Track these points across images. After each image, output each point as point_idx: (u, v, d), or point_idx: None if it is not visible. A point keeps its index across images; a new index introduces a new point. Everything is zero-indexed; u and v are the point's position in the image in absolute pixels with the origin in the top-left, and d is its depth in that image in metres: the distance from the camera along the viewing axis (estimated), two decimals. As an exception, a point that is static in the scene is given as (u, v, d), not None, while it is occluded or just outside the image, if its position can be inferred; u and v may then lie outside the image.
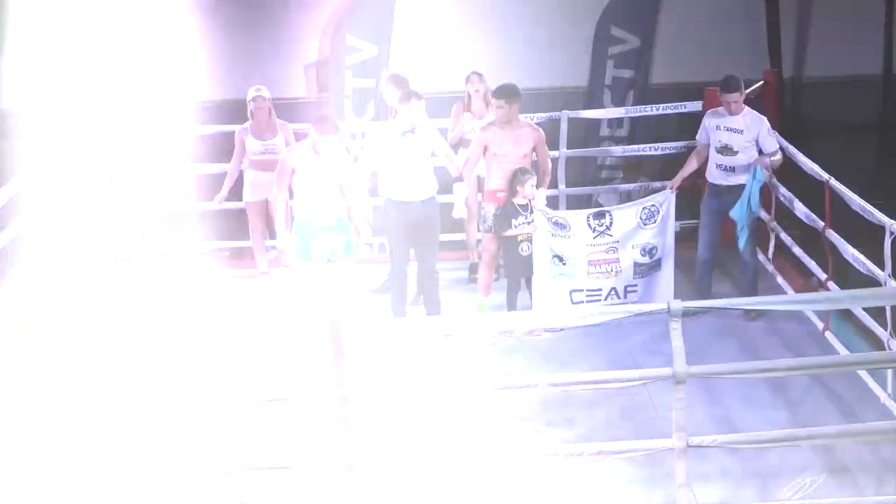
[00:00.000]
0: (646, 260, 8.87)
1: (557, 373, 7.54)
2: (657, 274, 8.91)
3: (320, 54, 12.30)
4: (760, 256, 9.72)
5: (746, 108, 8.87)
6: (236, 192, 10.41)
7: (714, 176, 8.90)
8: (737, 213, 8.81)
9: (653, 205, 8.89)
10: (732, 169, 8.82)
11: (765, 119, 8.89)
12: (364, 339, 8.39)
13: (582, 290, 8.77)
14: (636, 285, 8.88)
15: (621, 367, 7.72)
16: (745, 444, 6.58)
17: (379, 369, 8.15)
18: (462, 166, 8.82)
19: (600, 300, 8.79)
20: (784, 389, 7.61)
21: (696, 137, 9.08)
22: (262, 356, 8.36)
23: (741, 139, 8.77)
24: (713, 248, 9.02)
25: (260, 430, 7.29)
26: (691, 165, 9.09)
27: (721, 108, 8.93)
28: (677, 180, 9.03)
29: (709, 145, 8.92)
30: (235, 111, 11.68)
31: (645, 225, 8.85)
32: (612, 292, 8.82)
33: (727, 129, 8.79)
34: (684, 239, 9.80)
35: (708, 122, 8.90)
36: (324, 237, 8.26)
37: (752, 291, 8.89)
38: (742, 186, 8.77)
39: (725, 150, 8.78)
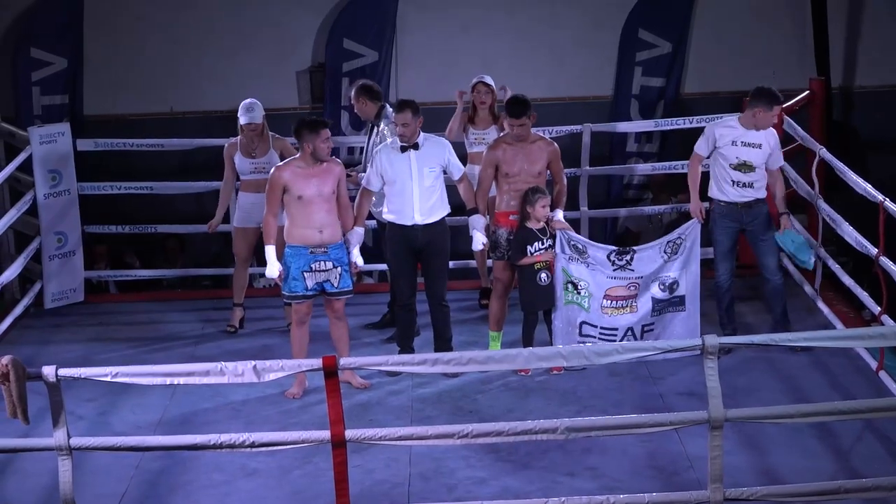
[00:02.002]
0: (665, 295, 8.81)
1: (579, 416, 7.53)
2: (680, 314, 8.86)
3: (314, 60, 12.34)
4: (807, 288, 9.73)
5: None
6: (224, 215, 10.46)
7: (730, 194, 8.88)
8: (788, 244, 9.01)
9: (678, 237, 8.85)
10: (751, 185, 8.85)
11: (774, 131, 8.97)
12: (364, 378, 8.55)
13: (595, 327, 8.74)
14: (653, 324, 8.83)
15: (650, 411, 7.73)
16: (790, 496, 6.53)
17: (380, 410, 8.23)
18: (475, 195, 8.78)
19: (616, 340, 8.73)
20: (833, 435, 7.57)
21: (697, 147, 8.98)
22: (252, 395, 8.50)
23: (759, 154, 8.83)
24: (733, 273, 9.06)
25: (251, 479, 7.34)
26: (695, 179, 9.03)
27: (731, 119, 8.93)
28: (698, 202, 8.95)
29: (706, 157, 8.92)
30: (220, 122, 11.77)
31: (669, 258, 8.82)
32: (629, 332, 8.76)
33: (745, 144, 8.81)
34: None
35: (718, 133, 8.87)
36: (318, 266, 8.25)
37: (785, 318, 9.03)
38: (759, 201, 8.85)
39: (743, 166, 8.81)
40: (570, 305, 8.72)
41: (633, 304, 8.77)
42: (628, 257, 8.74)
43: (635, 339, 8.76)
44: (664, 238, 8.92)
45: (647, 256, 8.80)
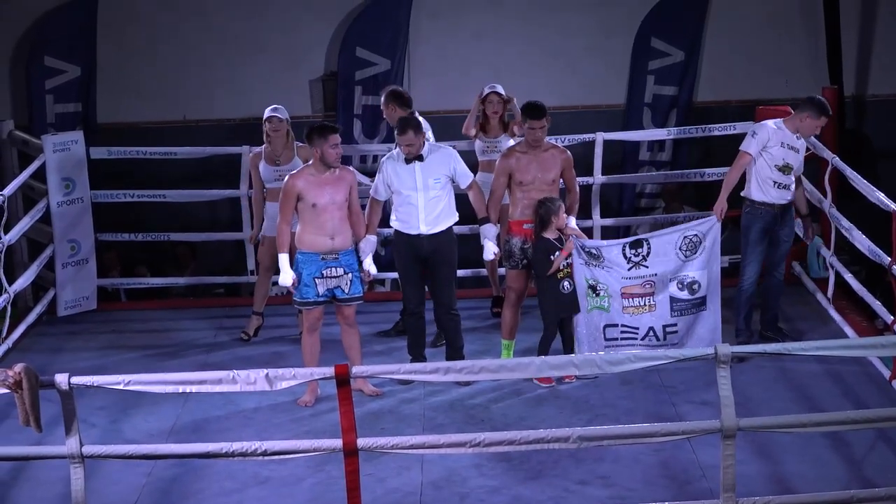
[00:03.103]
0: (685, 295, 8.81)
1: (591, 425, 7.52)
2: (702, 314, 8.86)
3: (327, 68, 12.35)
4: (819, 297, 9.72)
5: None
6: (236, 223, 10.49)
7: (772, 196, 8.88)
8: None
9: (695, 234, 8.82)
10: (788, 187, 8.93)
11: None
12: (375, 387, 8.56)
13: (617, 326, 8.75)
14: (675, 325, 8.82)
15: (662, 419, 7.72)
16: (802, 506, 6.55)
17: (392, 418, 8.23)
18: (487, 204, 8.77)
19: (637, 339, 8.76)
20: (845, 444, 7.55)
21: (746, 147, 8.96)
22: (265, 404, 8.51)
23: (797, 158, 8.95)
24: (758, 278, 9.07)
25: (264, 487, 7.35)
26: (734, 180, 9.01)
27: (777, 121, 8.93)
28: (724, 203, 8.94)
29: (755, 159, 8.90)
30: (234, 130, 11.79)
31: (686, 258, 8.81)
32: (651, 332, 8.77)
33: (790, 148, 8.89)
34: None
35: (772, 135, 8.86)
36: (329, 272, 8.26)
37: (776, 318, 9.25)
38: (791, 203, 8.98)
39: (786, 168, 8.87)
40: (594, 311, 8.72)
41: (651, 301, 8.77)
42: (643, 251, 8.73)
43: (657, 339, 8.77)
44: (680, 229, 8.89)
45: (663, 248, 8.78)
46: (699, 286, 8.82)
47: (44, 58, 11.98)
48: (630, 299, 8.75)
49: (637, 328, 8.77)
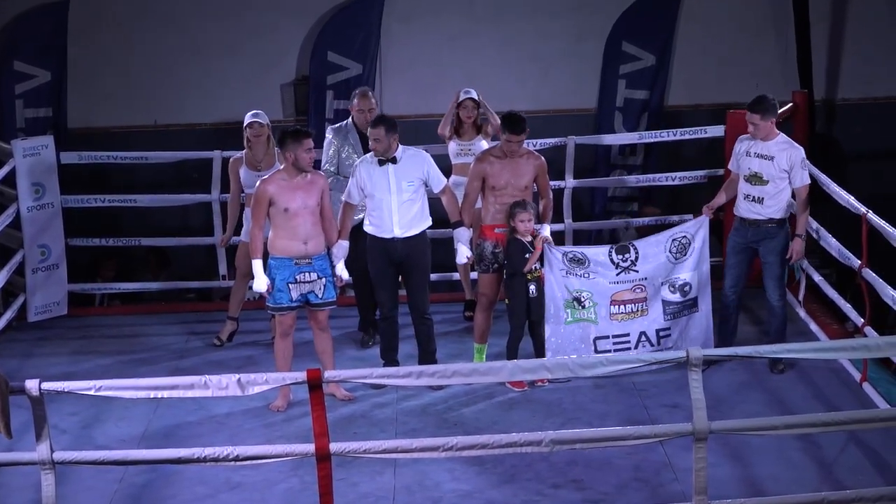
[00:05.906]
0: (677, 298, 8.82)
1: (563, 429, 7.52)
2: (694, 315, 8.87)
3: (299, 72, 12.33)
4: (790, 298, 9.74)
5: (782, 134, 8.81)
6: (208, 227, 10.45)
7: (741, 209, 8.81)
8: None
9: (684, 235, 8.82)
10: (760, 200, 8.69)
11: (801, 149, 8.79)
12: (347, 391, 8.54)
13: (608, 338, 8.75)
14: (668, 328, 8.83)
15: (635, 423, 7.73)
16: (774, 508, 6.56)
17: (365, 423, 8.22)
18: (461, 208, 8.76)
19: (630, 347, 8.76)
20: (816, 447, 7.58)
21: (728, 166, 9.03)
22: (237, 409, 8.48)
23: (771, 167, 8.69)
24: (739, 289, 8.97)
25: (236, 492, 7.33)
26: (722, 197, 9.00)
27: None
28: (714, 204, 8.92)
29: (735, 172, 8.87)
30: (205, 135, 11.75)
31: (676, 259, 8.80)
32: (643, 337, 8.78)
33: (757, 155, 8.73)
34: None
35: (738, 147, 8.85)
36: (303, 277, 8.23)
37: (780, 341, 8.84)
38: (771, 221, 8.74)
39: (754, 178, 8.70)
40: (578, 323, 8.71)
41: (644, 307, 8.78)
42: (631, 256, 8.73)
43: (651, 344, 8.79)
44: (668, 233, 8.89)
45: (652, 252, 8.78)
46: (690, 287, 8.83)
47: (13, 62, 11.92)
48: (621, 306, 8.75)
49: (628, 335, 8.78)
